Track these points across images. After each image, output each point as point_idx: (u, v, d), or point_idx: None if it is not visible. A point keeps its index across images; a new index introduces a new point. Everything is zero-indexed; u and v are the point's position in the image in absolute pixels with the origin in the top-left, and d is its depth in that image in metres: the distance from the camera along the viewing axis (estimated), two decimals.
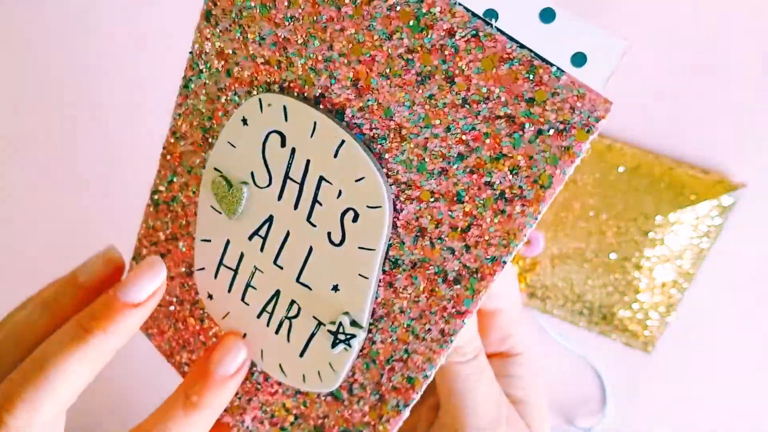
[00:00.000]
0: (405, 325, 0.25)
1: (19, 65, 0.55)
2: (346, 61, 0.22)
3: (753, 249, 0.46)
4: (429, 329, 0.24)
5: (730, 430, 0.50)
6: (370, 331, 0.25)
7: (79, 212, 0.58)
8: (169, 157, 0.28)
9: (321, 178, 0.23)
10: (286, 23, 0.23)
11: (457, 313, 0.23)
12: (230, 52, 0.25)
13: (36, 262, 0.60)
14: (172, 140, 0.28)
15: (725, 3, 0.42)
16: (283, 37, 0.24)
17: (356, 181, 0.23)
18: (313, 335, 0.26)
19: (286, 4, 0.23)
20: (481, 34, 0.20)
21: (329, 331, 0.25)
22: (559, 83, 0.19)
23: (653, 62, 0.44)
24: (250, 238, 0.26)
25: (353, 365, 0.26)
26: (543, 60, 0.19)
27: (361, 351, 0.26)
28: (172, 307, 0.30)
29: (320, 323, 0.26)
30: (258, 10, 0.24)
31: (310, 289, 0.25)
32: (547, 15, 0.20)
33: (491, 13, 0.21)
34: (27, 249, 0.60)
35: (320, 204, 0.24)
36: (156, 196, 0.29)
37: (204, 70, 0.26)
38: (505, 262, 0.22)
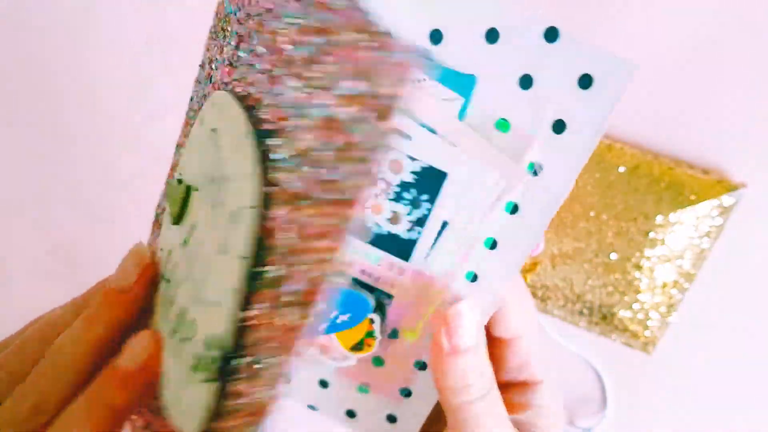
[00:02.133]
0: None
1: (18, 67, 0.55)
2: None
3: (754, 249, 0.46)
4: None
5: (730, 430, 0.50)
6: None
7: (80, 215, 0.58)
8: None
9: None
10: (246, 21, 0.22)
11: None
12: (214, 57, 0.24)
13: (37, 262, 0.60)
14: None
15: (725, 3, 0.41)
16: (241, 34, 0.22)
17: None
18: None
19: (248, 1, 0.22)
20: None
21: None
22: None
23: (653, 62, 0.44)
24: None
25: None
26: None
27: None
28: None
29: None
30: (233, 15, 0.23)
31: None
32: (551, 35, 0.21)
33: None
34: (26, 249, 0.60)
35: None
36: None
37: (200, 80, 0.26)
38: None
